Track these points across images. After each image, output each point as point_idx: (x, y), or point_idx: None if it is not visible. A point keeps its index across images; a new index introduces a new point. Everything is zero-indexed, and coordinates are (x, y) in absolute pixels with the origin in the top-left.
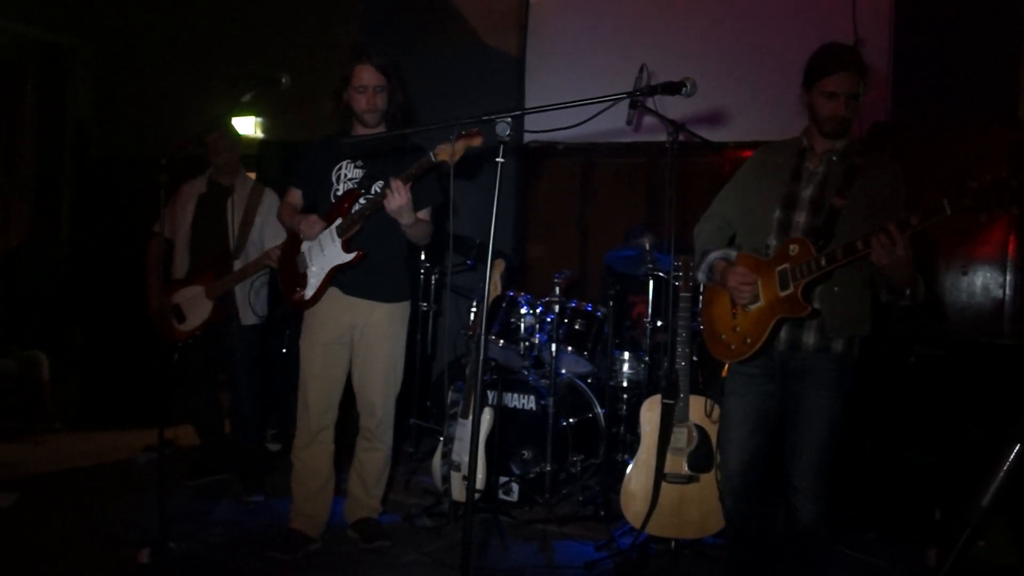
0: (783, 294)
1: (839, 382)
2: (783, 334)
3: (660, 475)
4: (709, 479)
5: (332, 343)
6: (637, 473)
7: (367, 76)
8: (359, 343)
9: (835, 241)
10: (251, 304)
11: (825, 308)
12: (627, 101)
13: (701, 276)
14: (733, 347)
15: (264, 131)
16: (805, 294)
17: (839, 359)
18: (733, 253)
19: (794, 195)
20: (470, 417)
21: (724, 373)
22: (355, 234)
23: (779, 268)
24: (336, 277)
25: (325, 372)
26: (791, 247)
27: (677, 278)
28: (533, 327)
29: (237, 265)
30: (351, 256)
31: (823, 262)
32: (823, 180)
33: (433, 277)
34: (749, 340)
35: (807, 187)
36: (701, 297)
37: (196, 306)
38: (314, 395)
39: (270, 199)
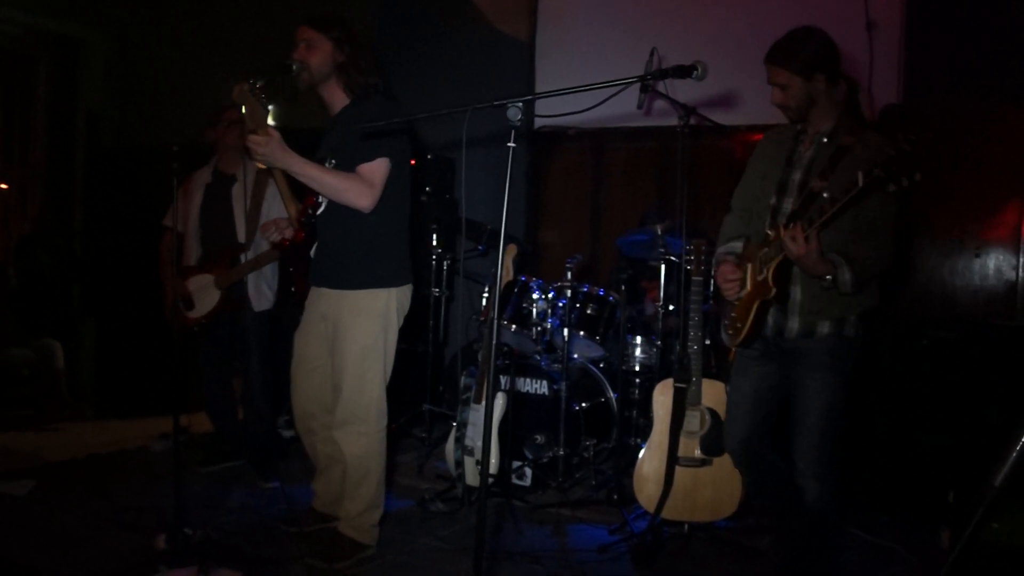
0: (759, 279)
1: (833, 364)
2: (769, 320)
3: (673, 459)
4: (722, 462)
5: (308, 332)
6: (650, 457)
7: (298, 32)
8: (331, 334)
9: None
10: (263, 290)
11: (804, 292)
12: (638, 85)
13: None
14: (730, 333)
15: (277, 119)
16: (777, 278)
17: (827, 341)
18: (738, 246)
19: (786, 181)
20: (483, 402)
21: (731, 357)
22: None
23: (760, 254)
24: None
25: (301, 361)
26: (770, 233)
27: (688, 262)
28: (545, 312)
29: (248, 255)
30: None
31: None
32: (809, 164)
33: (445, 263)
34: (739, 325)
35: (797, 172)
36: (713, 282)
37: (205, 294)
38: (293, 382)
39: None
